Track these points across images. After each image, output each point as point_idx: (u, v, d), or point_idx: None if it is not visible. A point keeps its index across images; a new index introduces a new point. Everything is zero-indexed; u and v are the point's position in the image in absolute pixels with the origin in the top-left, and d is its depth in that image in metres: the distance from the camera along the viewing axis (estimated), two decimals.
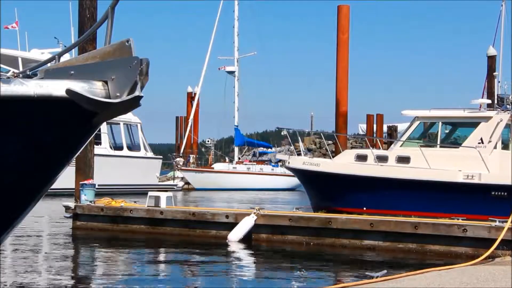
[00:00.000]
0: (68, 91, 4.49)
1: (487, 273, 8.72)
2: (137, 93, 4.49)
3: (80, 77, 4.62)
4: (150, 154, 39.82)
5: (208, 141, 58.51)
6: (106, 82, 4.58)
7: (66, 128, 4.77)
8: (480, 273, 8.68)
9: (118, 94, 4.54)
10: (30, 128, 4.71)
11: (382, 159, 19.92)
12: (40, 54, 34.22)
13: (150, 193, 17.00)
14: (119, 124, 36.87)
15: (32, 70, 5.03)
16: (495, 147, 19.18)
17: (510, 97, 20.46)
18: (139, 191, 31.53)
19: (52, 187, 5.68)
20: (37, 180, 5.17)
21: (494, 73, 32.09)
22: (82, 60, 4.80)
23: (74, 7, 25.70)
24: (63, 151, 5.02)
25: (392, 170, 19.51)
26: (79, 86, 4.51)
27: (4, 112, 4.57)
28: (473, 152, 18.65)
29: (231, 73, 56.16)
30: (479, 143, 19.01)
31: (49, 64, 5.02)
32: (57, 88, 4.52)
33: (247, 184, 48.81)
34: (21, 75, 4.89)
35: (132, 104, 4.53)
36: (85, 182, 17.52)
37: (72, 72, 4.71)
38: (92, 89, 4.53)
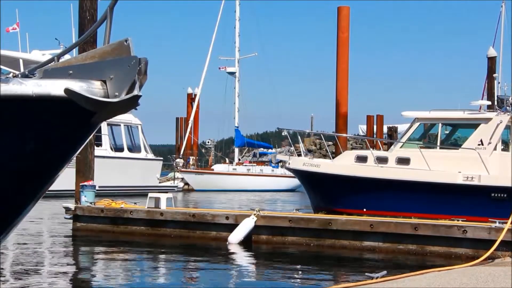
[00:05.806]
0: (67, 90, 4.48)
1: (487, 274, 8.71)
2: (135, 92, 4.48)
3: (78, 76, 4.61)
4: (151, 155, 39.82)
5: (208, 142, 58.49)
6: (104, 82, 4.58)
7: (64, 128, 4.77)
8: (480, 274, 8.66)
9: (116, 94, 4.54)
10: (28, 127, 4.71)
11: (382, 160, 19.89)
12: (41, 56, 34.26)
13: (150, 194, 17.00)
14: (119, 125, 36.91)
15: (31, 71, 5.02)
16: (495, 149, 19.13)
17: (510, 99, 20.41)
18: (139, 193, 31.57)
19: (53, 188, 5.66)
20: (36, 180, 5.16)
21: (494, 75, 32.16)
22: (81, 60, 4.80)
23: (75, 9, 25.67)
24: (61, 150, 5.01)
25: (392, 172, 19.47)
26: (77, 86, 4.50)
27: (3, 112, 4.57)
28: (473, 154, 18.61)
29: (232, 73, 56.15)
30: (479, 144, 18.97)
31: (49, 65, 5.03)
32: (55, 87, 4.52)
33: (247, 185, 48.77)
34: (20, 75, 4.89)
35: (131, 103, 4.53)
36: (85, 183, 17.51)
37: (71, 71, 4.71)
38: (91, 88, 4.52)
